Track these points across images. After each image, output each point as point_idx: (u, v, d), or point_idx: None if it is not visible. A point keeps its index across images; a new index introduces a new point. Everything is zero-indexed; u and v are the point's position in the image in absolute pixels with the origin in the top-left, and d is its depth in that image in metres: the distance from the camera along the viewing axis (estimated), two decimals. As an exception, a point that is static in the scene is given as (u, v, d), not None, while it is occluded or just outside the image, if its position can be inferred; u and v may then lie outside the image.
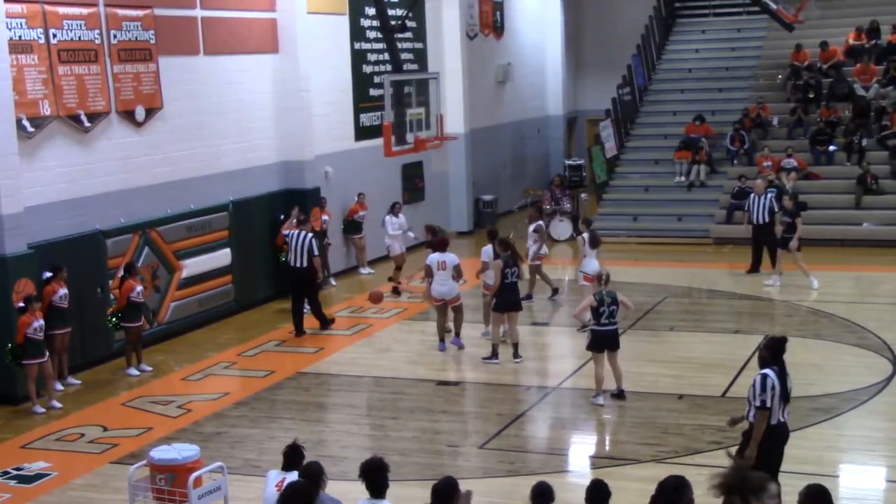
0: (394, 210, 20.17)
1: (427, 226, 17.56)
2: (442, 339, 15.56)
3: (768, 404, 8.67)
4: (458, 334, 15.64)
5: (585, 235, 16.55)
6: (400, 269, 19.43)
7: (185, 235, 16.96)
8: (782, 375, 8.82)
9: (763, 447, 8.72)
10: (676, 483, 6.45)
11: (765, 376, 8.73)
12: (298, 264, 16.62)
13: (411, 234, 20.05)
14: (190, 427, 12.59)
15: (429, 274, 15.28)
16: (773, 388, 8.66)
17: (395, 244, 19.80)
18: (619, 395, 12.85)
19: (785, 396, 8.78)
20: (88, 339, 14.99)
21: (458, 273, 15.34)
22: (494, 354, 14.75)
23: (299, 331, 16.75)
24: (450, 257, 15.34)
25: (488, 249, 15.48)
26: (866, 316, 16.56)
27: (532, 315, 17.43)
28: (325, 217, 19.91)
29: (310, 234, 16.80)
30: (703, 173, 25.03)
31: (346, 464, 11.00)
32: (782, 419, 8.83)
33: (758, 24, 29.20)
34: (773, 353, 8.94)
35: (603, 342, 12.69)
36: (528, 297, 17.79)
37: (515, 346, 14.83)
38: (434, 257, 15.33)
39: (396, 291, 19.09)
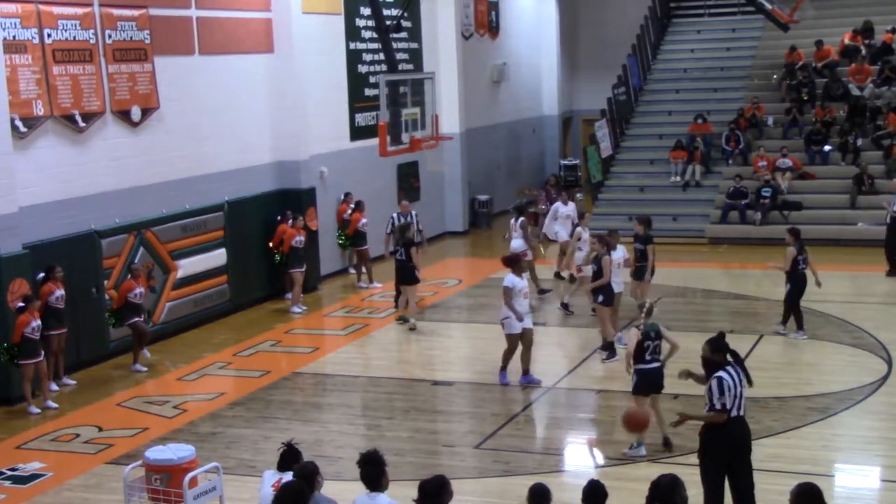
0: (562, 198, 20.14)
1: (601, 236, 15.87)
2: (525, 371, 13.84)
3: (726, 405, 8.63)
4: (501, 368, 13.97)
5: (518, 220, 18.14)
6: (565, 254, 19.05)
7: (180, 235, 16.95)
8: (732, 374, 8.72)
9: (707, 441, 8.79)
10: (671, 482, 6.47)
11: (720, 379, 8.66)
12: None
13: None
14: (185, 427, 12.58)
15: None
16: (729, 389, 8.61)
17: (563, 231, 19.56)
18: (665, 444, 11.33)
19: (735, 394, 8.67)
20: (83, 340, 14.97)
21: (504, 295, 13.53)
22: (612, 351, 14.64)
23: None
24: (507, 278, 13.64)
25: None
26: (861, 315, 16.59)
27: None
28: (363, 220, 20.00)
29: (414, 212, 18.75)
30: (699, 173, 25.06)
31: (341, 464, 11.01)
32: (735, 414, 8.70)
33: (753, 23, 29.23)
34: (723, 353, 8.84)
35: (648, 383, 11.18)
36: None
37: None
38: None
39: (560, 276, 19.41)
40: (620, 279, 15.04)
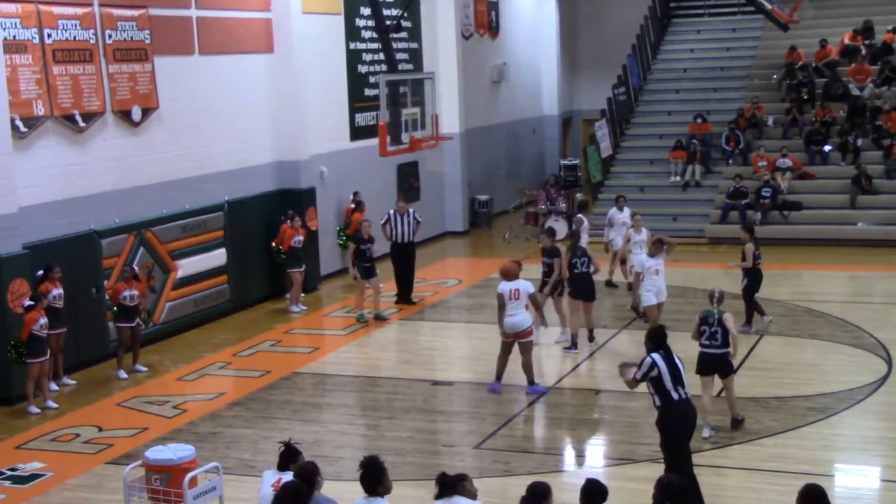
0: (618, 203, 19.37)
1: (548, 228, 16.14)
2: (499, 378, 13.53)
3: (638, 377, 9.59)
4: (531, 381, 13.49)
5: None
6: (624, 262, 18.50)
7: (180, 235, 16.94)
8: (669, 359, 9.52)
9: (665, 424, 9.56)
10: (682, 486, 6.49)
11: (646, 359, 9.56)
12: (405, 240, 18.65)
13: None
14: (185, 427, 12.58)
15: (501, 306, 13.23)
16: (652, 367, 9.44)
17: (618, 238, 18.73)
18: (736, 422, 11.79)
19: (676, 377, 9.48)
20: (83, 340, 14.97)
21: (533, 302, 13.49)
22: (574, 344, 15.21)
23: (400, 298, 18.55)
24: (523, 284, 13.31)
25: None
26: (861, 315, 16.59)
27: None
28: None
29: (412, 210, 18.97)
30: (699, 173, 25.07)
31: (341, 464, 11.01)
32: (683, 396, 9.50)
33: (753, 23, 29.25)
34: (655, 342, 9.66)
35: (706, 365, 11.67)
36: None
37: (591, 330, 15.43)
38: (506, 286, 13.27)
39: (612, 285, 18.84)
40: (664, 285, 14.86)
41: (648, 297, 14.75)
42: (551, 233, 15.71)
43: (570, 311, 15.47)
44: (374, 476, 6.88)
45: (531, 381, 13.44)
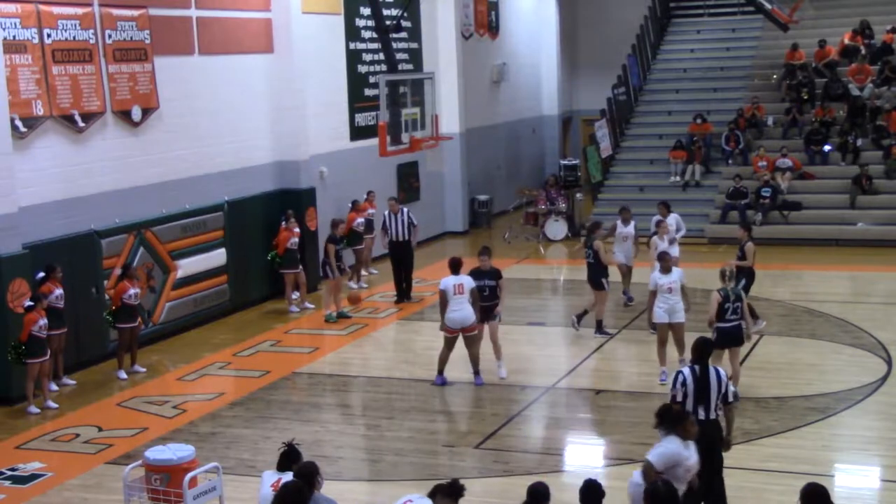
0: (622, 216, 17.67)
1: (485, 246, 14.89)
2: (441, 372, 13.86)
3: (678, 398, 8.99)
4: (477, 372, 13.83)
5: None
6: (625, 276, 17.79)
7: (180, 235, 16.95)
8: (702, 376, 9.02)
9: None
10: (669, 491, 6.52)
11: (678, 373, 9.19)
12: (399, 238, 18.79)
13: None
14: (185, 427, 12.58)
15: (444, 301, 13.44)
16: (683, 384, 9.02)
17: (620, 253, 17.52)
18: (734, 397, 12.36)
19: (700, 398, 8.96)
20: (83, 340, 14.96)
21: (473, 298, 13.44)
22: (578, 319, 16.01)
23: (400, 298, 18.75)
24: (467, 280, 13.51)
25: (447, 280, 13.53)
26: (861, 315, 16.59)
27: (527, 314, 17.43)
28: (371, 210, 20.15)
29: (406, 210, 19.08)
30: (698, 173, 25.07)
31: (341, 464, 11.02)
32: (701, 417, 8.87)
33: (753, 23, 29.25)
34: (697, 353, 9.25)
35: (728, 339, 12.41)
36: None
37: (599, 322, 15.90)
38: (450, 280, 13.52)
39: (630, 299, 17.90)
40: (679, 305, 13.63)
41: (659, 314, 13.59)
42: (489, 251, 14.19)
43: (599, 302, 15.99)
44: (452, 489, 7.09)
45: (477, 372, 13.81)
